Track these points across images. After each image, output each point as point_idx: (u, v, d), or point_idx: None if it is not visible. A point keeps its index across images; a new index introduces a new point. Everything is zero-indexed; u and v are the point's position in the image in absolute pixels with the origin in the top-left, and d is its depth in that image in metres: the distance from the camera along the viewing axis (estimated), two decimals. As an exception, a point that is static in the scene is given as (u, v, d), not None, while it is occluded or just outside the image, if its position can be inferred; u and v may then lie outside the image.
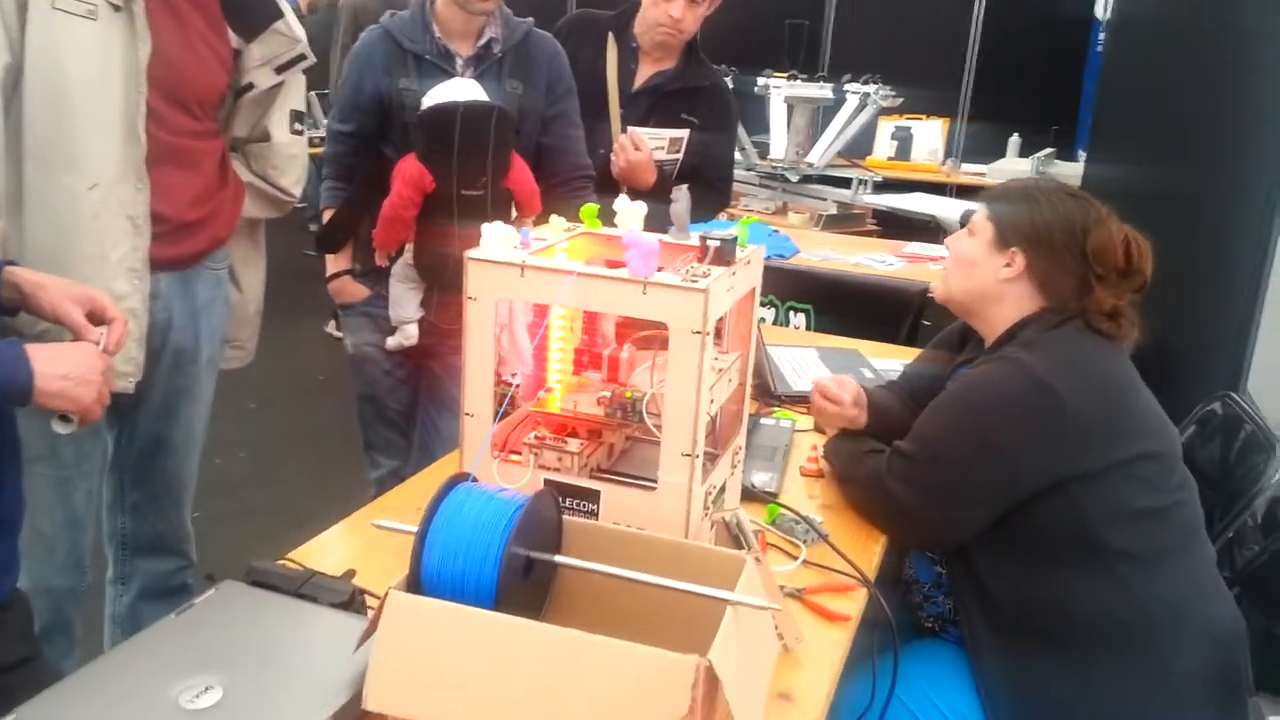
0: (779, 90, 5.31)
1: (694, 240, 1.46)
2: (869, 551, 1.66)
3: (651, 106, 2.71)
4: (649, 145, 2.65)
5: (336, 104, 2.42)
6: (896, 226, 4.97)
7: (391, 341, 2.35)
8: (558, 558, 1.18)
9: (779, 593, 1.36)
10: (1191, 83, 3.14)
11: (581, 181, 2.42)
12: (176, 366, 1.93)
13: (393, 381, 2.43)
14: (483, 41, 2.26)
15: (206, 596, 1.25)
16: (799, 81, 5.26)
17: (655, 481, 1.42)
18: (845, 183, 5.26)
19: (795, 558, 1.59)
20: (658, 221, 1.49)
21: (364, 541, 1.59)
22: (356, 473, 2.73)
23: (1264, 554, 1.97)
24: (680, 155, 2.72)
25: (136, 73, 1.67)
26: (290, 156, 2.04)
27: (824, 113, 5.38)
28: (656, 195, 2.21)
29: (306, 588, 1.29)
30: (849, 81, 5.27)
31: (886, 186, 5.43)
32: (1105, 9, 6.48)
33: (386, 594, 1.09)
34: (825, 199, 5.07)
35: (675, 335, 1.30)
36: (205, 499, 2.08)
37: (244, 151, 2.03)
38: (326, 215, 2.41)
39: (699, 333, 1.29)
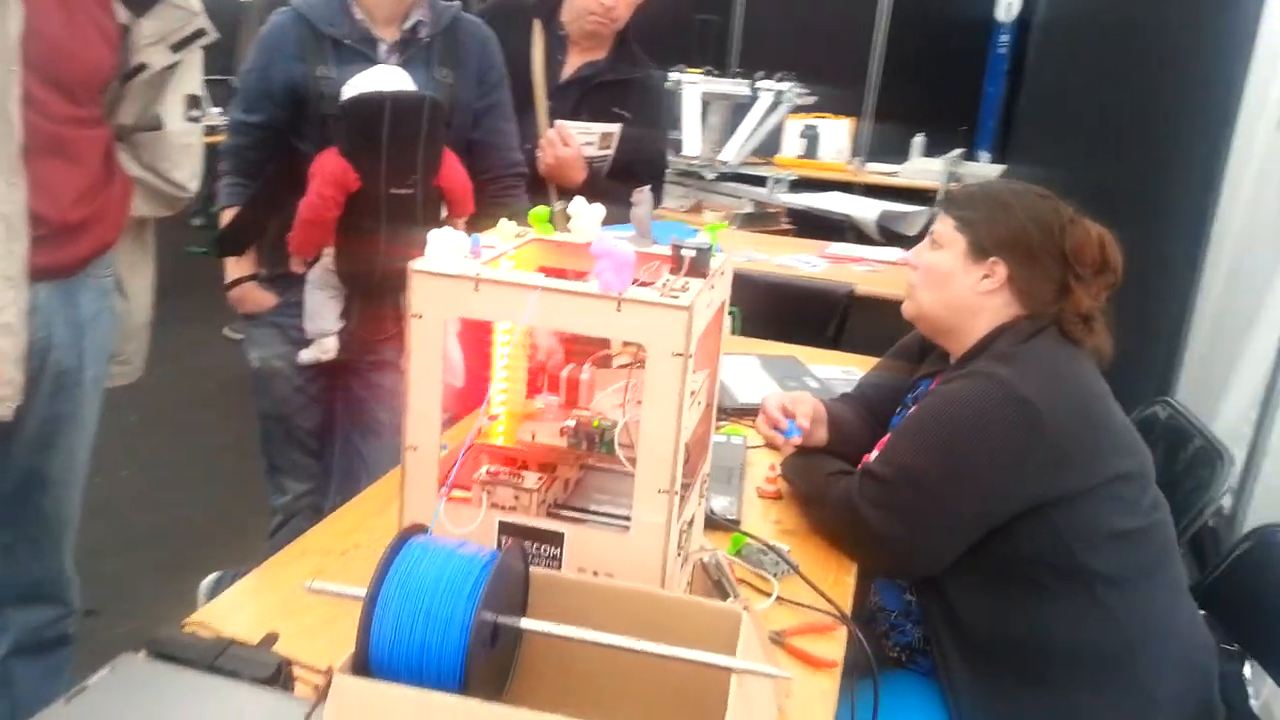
0: (693, 86, 5.21)
1: (662, 249, 1.31)
2: (842, 584, 1.54)
3: (581, 99, 2.55)
4: (578, 140, 2.49)
5: (241, 92, 2.19)
6: (810, 226, 4.92)
7: (305, 355, 2.14)
8: (537, 624, 1.02)
9: (770, 646, 1.22)
10: (1122, 83, 3.14)
11: (513, 180, 2.25)
12: (58, 391, 1.69)
13: (304, 399, 2.22)
14: (408, 25, 2.07)
15: (101, 676, 1.04)
16: (714, 78, 5.17)
17: (623, 519, 1.28)
18: (759, 181, 5.19)
19: (766, 594, 1.45)
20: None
21: (282, 594, 1.39)
22: (257, 496, 2.50)
23: (1217, 570, 1.93)
24: (611, 151, 2.57)
25: (7, 50, 1.43)
26: (185, 147, 1.82)
27: (735, 110, 5.31)
28: (586, 194, 2.06)
29: (223, 660, 1.09)
30: (762, 79, 5.20)
31: (796, 185, 5.39)
32: (1007, 11, 6.59)
33: (330, 678, 0.92)
34: (741, 197, 4.98)
35: (654, 358, 1.15)
36: (82, 526, 1.83)
37: (131, 142, 1.79)
38: (226, 215, 2.18)
39: (681, 355, 1.15)
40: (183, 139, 1.82)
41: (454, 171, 2.07)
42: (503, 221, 1.40)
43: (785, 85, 5.16)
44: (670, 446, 1.17)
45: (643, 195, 1.39)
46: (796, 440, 1.72)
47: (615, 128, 2.55)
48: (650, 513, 1.19)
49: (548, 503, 1.29)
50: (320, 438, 2.28)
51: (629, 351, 1.64)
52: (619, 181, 2.45)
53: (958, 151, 5.26)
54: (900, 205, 4.85)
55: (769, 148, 5.90)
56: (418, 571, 0.98)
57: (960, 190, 1.70)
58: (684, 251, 1.23)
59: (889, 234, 4.81)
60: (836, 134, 6.98)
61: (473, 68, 2.15)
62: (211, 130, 3.95)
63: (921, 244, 1.74)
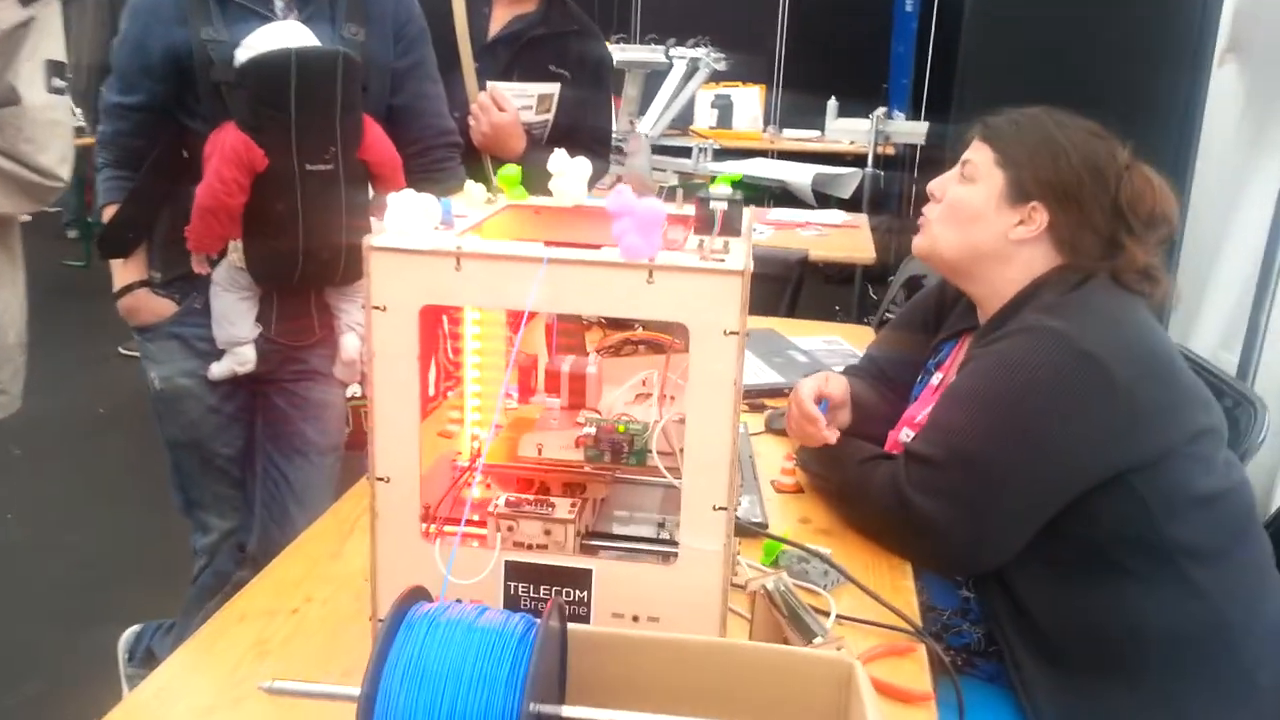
0: (604, 56, 4.93)
1: (672, 208, 1.05)
2: (901, 589, 1.30)
3: (513, 58, 2.26)
4: (514, 105, 2.20)
5: (114, 70, 1.84)
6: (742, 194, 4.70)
7: (217, 369, 1.81)
8: (593, 713, 0.74)
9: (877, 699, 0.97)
10: (1069, 24, 2.98)
11: (445, 151, 1.95)
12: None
13: (220, 421, 1.89)
14: (308, -25, 1.75)
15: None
16: (626, 45, 4.90)
17: (658, 545, 1.02)
18: (683, 152, 4.96)
19: (824, 612, 1.21)
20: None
21: (221, 678, 1.09)
22: (172, 533, 2.16)
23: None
24: (551, 116, 2.29)
25: None
26: (50, 124, 1.48)
27: (649, 79, 5.06)
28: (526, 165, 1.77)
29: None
30: (675, 45, 4.96)
31: (717, 155, 5.18)
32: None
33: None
34: (665, 169, 4.74)
35: (700, 339, 0.89)
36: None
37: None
38: (108, 213, 1.83)
39: (735, 333, 0.89)
40: (47, 114, 1.49)
41: (379, 142, 1.77)
42: (469, 185, 1.12)
43: (700, 51, 4.92)
44: (724, 450, 0.91)
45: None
46: (834, 436, 1.47)
47: (554, 88, 2.27)
48: (703, 536, 0.93)
49: (582, 535, 1.02)
50: (244, 464, 1.96)
51: (651, 335, 1.38)
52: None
53: (881, 110, 5.10)
54: (832, 168, 4.70)
55: (683, 119, 5.68)
56: (430, 656, 0.71)
57: (1004, 118, 1.46)
58: (714, 204, 0.97)
59: (822, 197, 4.65)
60: (749, 102, 6.80)
61: (387, 22, 1.84)
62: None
63: (948, 173, 1.50)
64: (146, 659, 2.07)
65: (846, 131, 5.19)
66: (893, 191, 5.49)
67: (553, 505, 0.99)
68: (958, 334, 1.59)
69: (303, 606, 1.20)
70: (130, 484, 3.23)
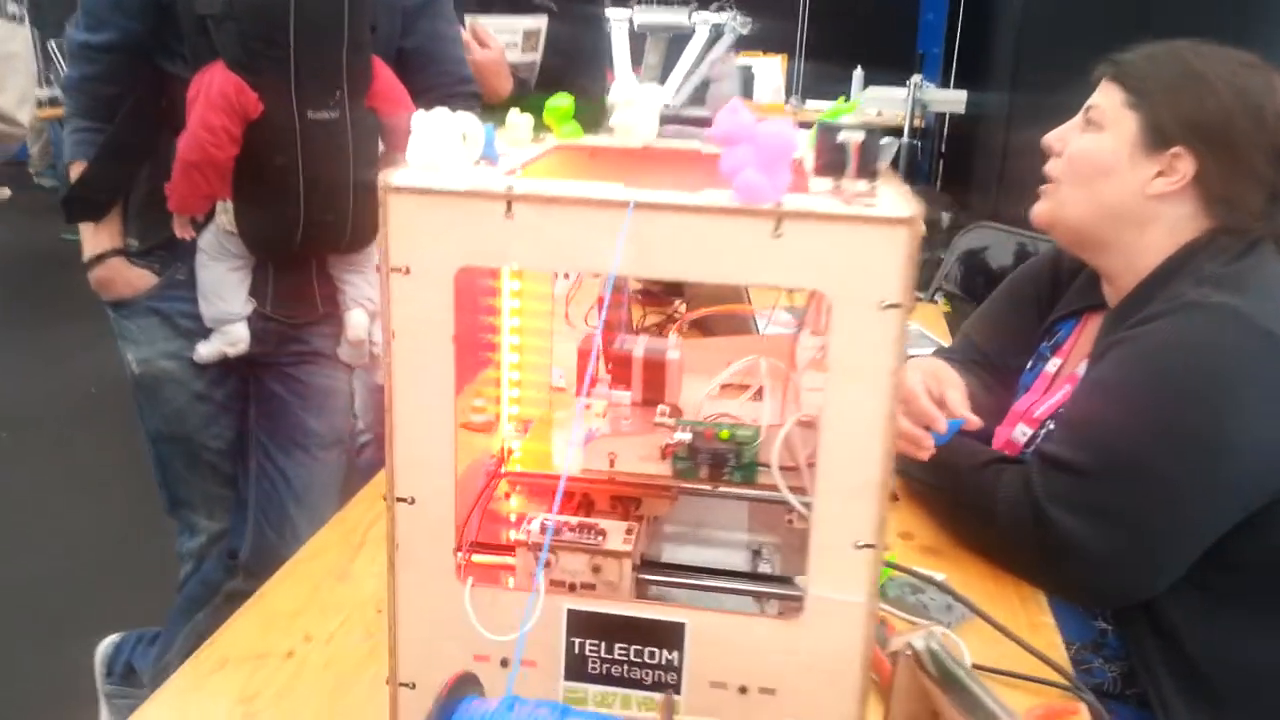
0: (620, 23, 4.66)
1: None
2: (1039, 626, 1.06)
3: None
4: (498, 41, 1.96)
5: (82, 5, 1.59)
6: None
7: (205, 350, 1.57)
8: None
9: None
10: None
11: (464, 101, 1.70)
12: None
13: (210, 410, 1.65)
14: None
15: None
16: (650, 6, 4.63)
17: (765, 581, 0.78)
18: (705, 122, 4.69)
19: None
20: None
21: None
22: (155, 533, 1.92)
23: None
24: (538, 55, 2.05)
25: None
26: (7, 58, 1.23)
27: (671, 44, 4.79)
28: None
29: None
30: (697, 9, 4.69)
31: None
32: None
33: None
34: (691, 139, 4.47)
35: (846, 313, 0.64)
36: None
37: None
38: (76, 170, 1.58)
39: (895, 306, 0.64)
40: (1, 45, 1.24)
41: (390, 87, 1.52)
42: (514, 116, 0.87)
43: (724, 15, 4.65)
44: (874, 468, 0.67)
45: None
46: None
47: (540, 21, 2.03)
48: (841, 583, 0.69)
49: (638, 567, 0.77)
50: (236, 459, 1.72)
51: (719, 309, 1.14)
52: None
53: (917, 77, 4.83)
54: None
55: (704, 91, 5.42)
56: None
57: (1136, 53, 1.22)
58: (843, 136, 0.71)
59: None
60: (771, 73, 6.52)
61: (397, -48, 1.59)
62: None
63: (1068, 124, 1.25)
64: (126, 675, 1.83)
65: (880, 101, 4.91)
66: (921, 163, 5.23)
67: (602, 533, 0.74)
68: (1078, 312, 1.35)
69: (300, 648, 0.96)
70: (117, 474, 2.97)
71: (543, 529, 0.72)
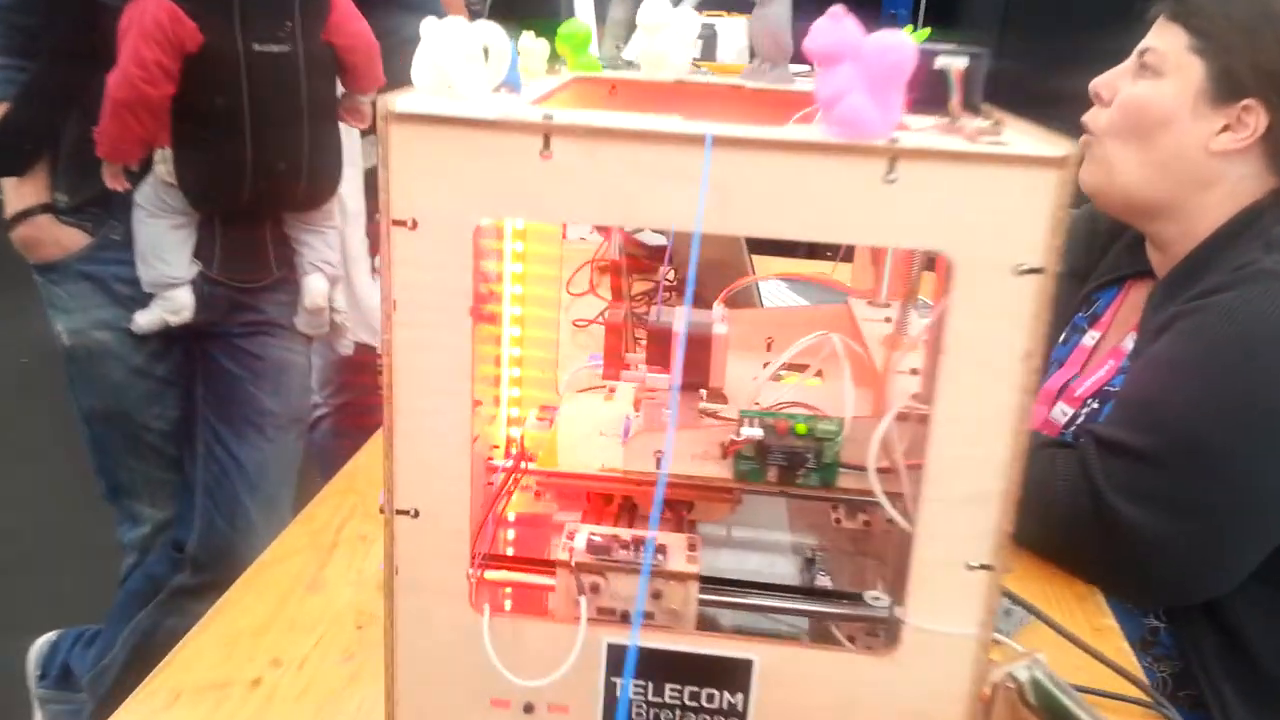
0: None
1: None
2: (1102, 630, 0.95)
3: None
4: None
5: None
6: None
7: (144, 319, 1.40)
8: None
9: None
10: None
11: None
12: None
13: (151, 386, 1.48)
14: None
15: None
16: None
17: (840, 600, 0.65)
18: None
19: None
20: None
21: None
22: (95, 519, 1.74)
23: None
24: None
25: None
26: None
27: (635, 1, 4.61)
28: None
29: None
30: (660, -38, 4.51)
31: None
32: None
33: None
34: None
35: (971, 280, 0.51)
36: None
37: None
38: (-4, 114, 1.39)
39: (1034, 270, 0.51)
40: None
41: (349, 19, 1.35)
42: (528, 41, 0.73)
43: (688, -32, 4.48)
44: (998, 472, 0.54)
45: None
46: None
47: None
48: (947, 611, 0.56)
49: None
50: (181, 441, 1.55)
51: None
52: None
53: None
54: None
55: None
56: None
57: None
58: (943, 62, 0.57)
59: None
60: (735, 33, 6.37)
61: None
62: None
63: (1119, 68, 1.13)
64: (62, 678, 1.66)
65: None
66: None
67: (661, 549, 0.61)
68: (1119, 280, 1.23)
69: (268, 675, 0.82)
70: (53, 454, 2.75)
71: (590, 546, 0.58)
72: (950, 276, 0.51)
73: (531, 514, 0.78)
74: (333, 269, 1.50)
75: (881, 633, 0.69)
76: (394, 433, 0.56)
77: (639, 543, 0.59)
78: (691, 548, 0.60)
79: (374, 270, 1.70)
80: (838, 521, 0.84)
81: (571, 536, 0.60)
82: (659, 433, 0.60)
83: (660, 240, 1.71)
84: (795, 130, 0.51)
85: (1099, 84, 1.14)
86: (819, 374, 0.73)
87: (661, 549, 0.59)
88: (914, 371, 0.66)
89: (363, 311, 1.67)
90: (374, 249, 1.73)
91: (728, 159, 0.50)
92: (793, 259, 2.36)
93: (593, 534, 0.60)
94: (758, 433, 0.57)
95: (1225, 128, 1.06)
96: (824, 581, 0.73)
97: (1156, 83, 1.08)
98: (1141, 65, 1.10)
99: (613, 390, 0.85)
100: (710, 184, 0.50)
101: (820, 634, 0.69)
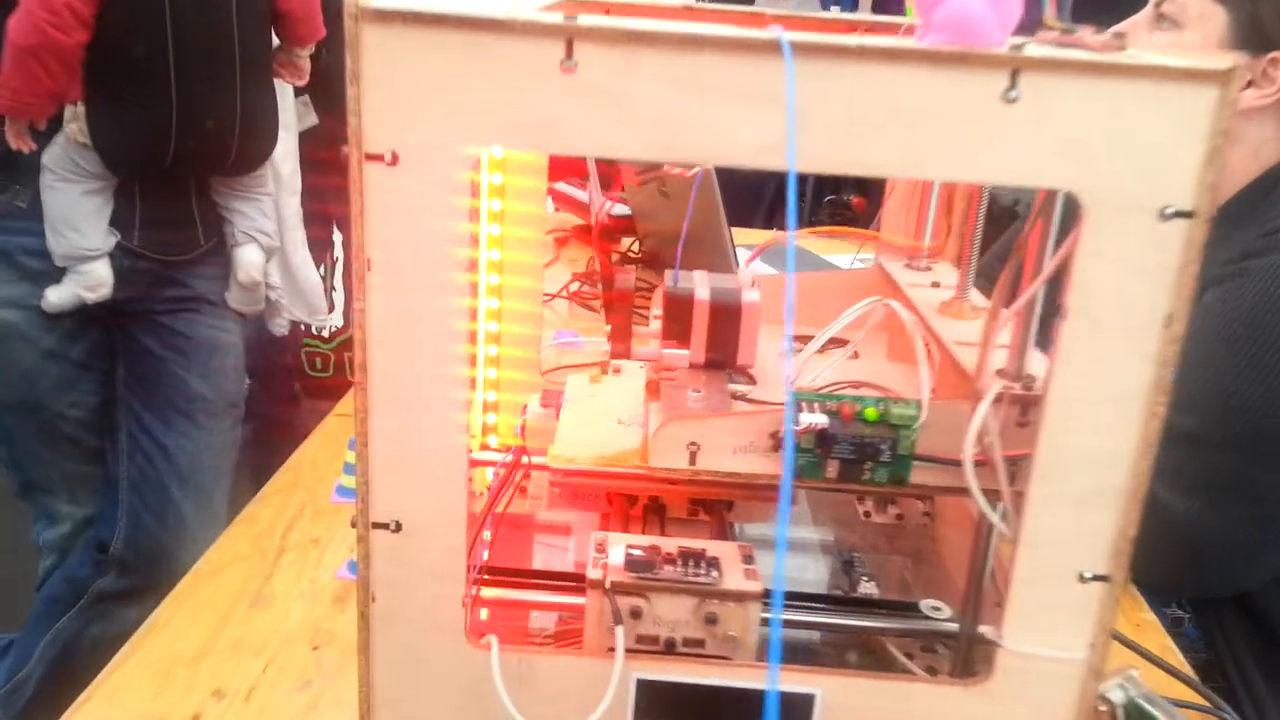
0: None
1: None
2: (1145, 626, 0.86)
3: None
4: None
5: None
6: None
7: (56, 296, 1.25)
8: None
9: None
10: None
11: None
12: None
13: (66, 371, 1.32)
14: None
15: None
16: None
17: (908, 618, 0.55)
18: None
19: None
20: None
21: None
22: (11, 515, 1.58)
23: None
24: None
25: None
26: None
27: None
28: None
29: None
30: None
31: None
32: None
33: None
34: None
35: (1103, 224, 0.41)
36: None
37: None
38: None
39: (1184, 215, 0.41)
40: None
41: (288, -40, 1.21)
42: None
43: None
44: (1123, 463, 0.44)
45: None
46: None
47: None
48: (1052, 631, 0.46)
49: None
50: (102, 431, 1.39)
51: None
52: None
53: None
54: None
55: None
56: None
57: None
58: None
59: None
60: None
61: None
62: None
63: (1135, 18, 1.04)
64: (-26, 692, 1.51)
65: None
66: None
67: (714, 562, 0.50)
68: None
69: (208, 709, 0.69)
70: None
71: (630, 562, 0.47)
72: (1086, 218, 0.41)
73: (511, 514, 0.67)
74: (268, 239, 1.36)
75: (940, 648, 0.59)
76: (369, 426, 0.44)
77: (688, 556, 0.48)
78: (747, 559, 0.50)
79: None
80: (866, 515, 0.75)
81: (603, 549, 0.48)
82: (690, 421, 0.50)
83: (622, 210, 1.59)
84: (890, 39, 0.40)
85: (1116, 30, 1.05)
86: (855, 354, 0.62)
87: (713, 562, 0.49)
88: (965, 344, 0.56)
89: (298, 287, 1.53)
90: (313, 224, 1.59)
91: (803, 73, 0.39)
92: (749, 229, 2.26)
93: (631, 547, 0.48)
94: (821, 419, 0.46)
95: (1249, 83, 0.98)
96: (869, 589, 0.63)
97: (1176, 34, 1.00)
98: (1159, 15, 1.02)
99: (602, 371, 0.74)
100: (774, 106, 0.39)
101: (866, 653, 0.59)
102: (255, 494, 0.98)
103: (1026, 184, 0.40)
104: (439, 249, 0.41)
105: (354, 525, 0.46)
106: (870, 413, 0.48)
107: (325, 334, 2.88)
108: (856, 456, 0.48)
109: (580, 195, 1.60)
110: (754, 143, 0.39)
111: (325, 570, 0.85)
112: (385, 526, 0.46)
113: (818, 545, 0.69)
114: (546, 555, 0.69)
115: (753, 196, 2.78)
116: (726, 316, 0.58)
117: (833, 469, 0.49)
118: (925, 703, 0.49)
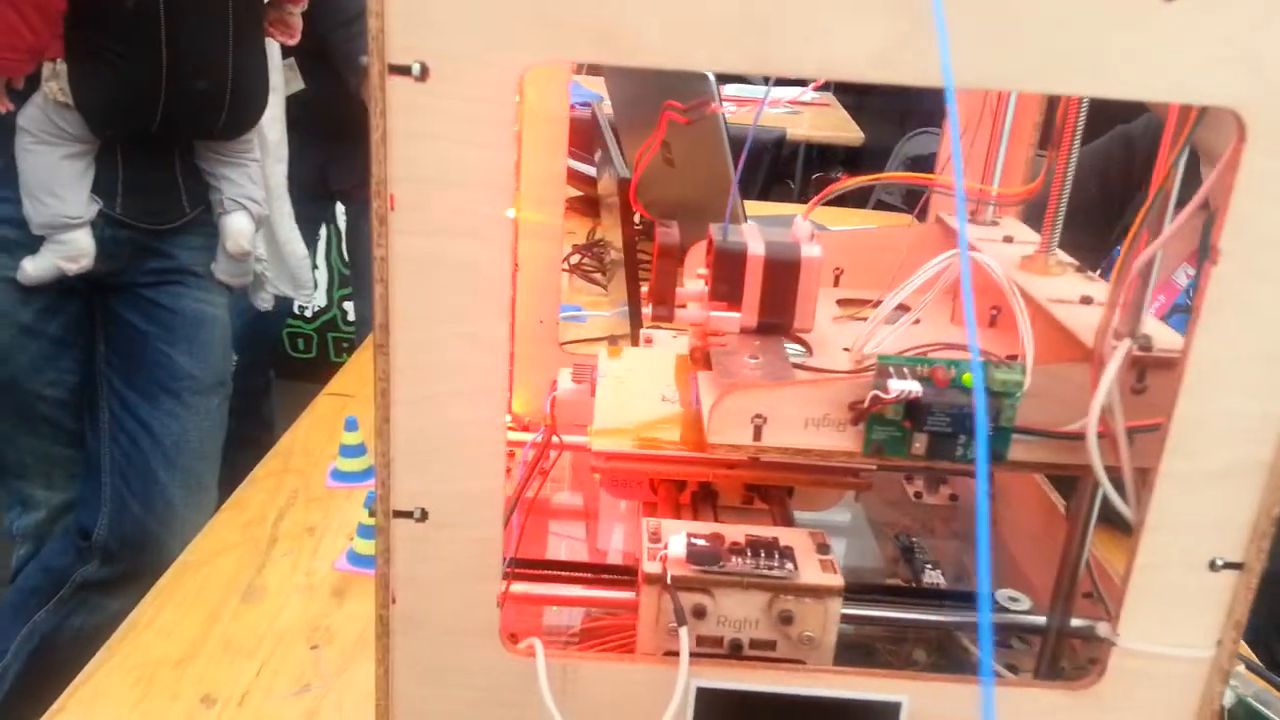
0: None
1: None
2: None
3: None
4: None
5: None
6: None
7: (34, 268, 1.17)
8: None
9: None
10: None
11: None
12: None
13: (44, 347, 1.24)
14: None
15: None
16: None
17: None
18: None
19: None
20: None
21: None
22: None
23: None
24: None
25: None
26: None
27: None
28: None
29: None
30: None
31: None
32: None
33: None
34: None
35: (1269, 149, 0.35)
36: None
37: None
38: None
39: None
40: None
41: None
42: None
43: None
44: (1271, 434, 0.38)
45: None
46: None
47: None
48: (1177, 627, 0.40)
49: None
50: (81, 411, 1.32)
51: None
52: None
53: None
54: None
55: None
56: None
57: None
58: None
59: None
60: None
61: None
62: None
63: None
64: (-55, 691, 1.43)
65: None
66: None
67: (788, 553, 0.44)
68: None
69: (197, 716, 0.62)
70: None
71: (693, 554, 0.40)
72: (1245, 145, 0.34)
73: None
74: (258, 207, 1.28)
75: (1014, 643, 0.53)
76: (391, 397, 0.38)
77: (758, 547, 0.41)
78: (822, 549, 0.43)
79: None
80: (918, 496, 0.69)
81: (658, 538, 0.42)
82: (755, 391, 0.43)
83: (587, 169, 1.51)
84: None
85: None
86: (916, 320, 0.56)
87: (787, 552, 0.42)
88: (1085, 300, 0.49)
89: (284, 259, 1.46)
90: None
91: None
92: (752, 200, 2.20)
93: (693, 536, 0.42)
94: (914, 387, 0.40)
95: None
96: (935, 578, 0.57)
97: None
98: None
99: (647, 340, 0.67)
100: (889, 5, 0.32)
101: (934, 650, 0.53)
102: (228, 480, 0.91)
103: (1181, 98, 0.34)
104: (477, 183, 0.35)
105: (371, 514, 0.40)
106: (968, 378, 0.41)
107: (308, 314, 2.81)
108: (952, 429, 0.42)
109: (581, 167, 1.53)
110: (866, 50, 0.32)
111: (322, 561, 0.79)
112: (409, 515, 0.39)
113: (867, 529, 0.63)
114: (554, 544, 0.63)
115: (747, 170, 2.71)
116: (784, 274, 0.51)
117: (920, 444, 0.43)
118: (1024, 709, 0.43)
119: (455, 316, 0.36)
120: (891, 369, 0.42)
